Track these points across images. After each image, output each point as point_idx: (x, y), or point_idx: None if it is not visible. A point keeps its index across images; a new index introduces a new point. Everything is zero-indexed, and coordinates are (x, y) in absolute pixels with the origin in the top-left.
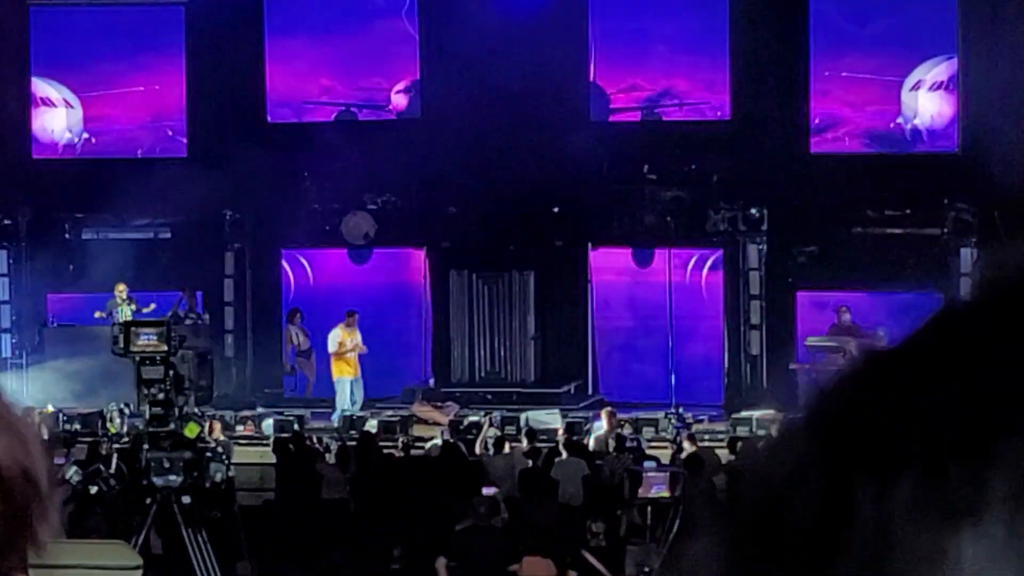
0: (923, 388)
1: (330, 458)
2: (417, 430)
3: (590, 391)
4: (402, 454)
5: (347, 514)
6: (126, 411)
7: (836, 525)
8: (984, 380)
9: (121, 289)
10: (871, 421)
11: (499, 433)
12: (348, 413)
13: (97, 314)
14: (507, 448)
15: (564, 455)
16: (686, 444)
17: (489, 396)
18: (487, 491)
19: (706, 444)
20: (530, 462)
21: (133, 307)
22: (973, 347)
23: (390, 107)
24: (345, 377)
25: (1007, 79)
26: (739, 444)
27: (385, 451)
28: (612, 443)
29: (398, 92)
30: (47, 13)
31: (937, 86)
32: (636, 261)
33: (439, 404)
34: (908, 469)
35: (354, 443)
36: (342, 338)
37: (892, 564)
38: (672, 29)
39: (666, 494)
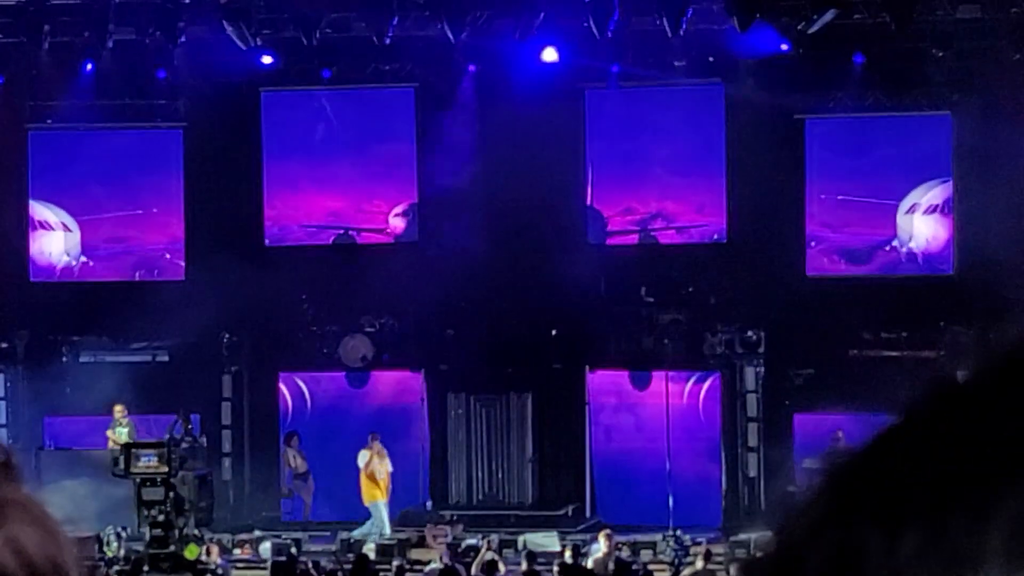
0: (928, 451)
1: None
2: (415, 554)
3: (588, 513)
4: None
5: None
6: (123, 535)
7: (847, 574)
8: (981, 442)
9: (119, 409)
10: (881, 481)
11: (495, 556)
12: (385, 539)
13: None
14: (501, 570)
15: None
16: (699, 563)
17: (487, 519)
18: None
19: (713, 567)
20: None
21: (128, 429)
22: (970, 414)
23: (388, 230)
24: (379, 500)
25: (1002, 202)
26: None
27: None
28: (612, 565)
29: (396, 215)
30: (45, 136)
31: (932, 209)
32: (634, 383)
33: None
34: (914, 524)
35: (349, 567)
36: (369, 457)
37: None
38: (669, 152)
39: None
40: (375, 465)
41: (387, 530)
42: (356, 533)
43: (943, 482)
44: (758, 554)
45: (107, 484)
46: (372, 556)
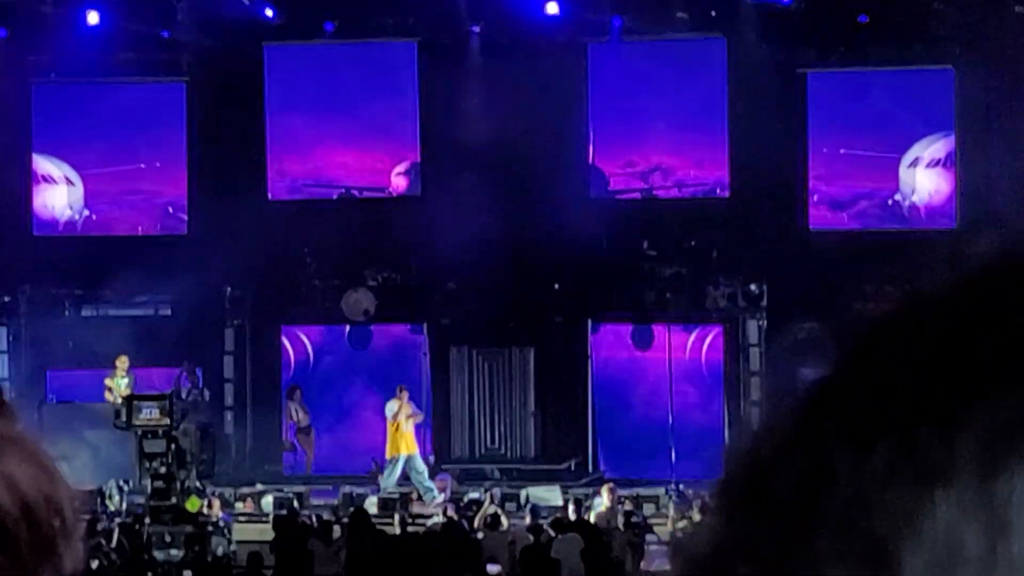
0: (896, 365)
1: (337, 533)
2: (417, 507)
3: (590, 467)
4: (400, 531)
5: None
6: (125, 488)
7: (817, 494)
8: (951, 355)
9: (122, 360)
10: (848, 398)
11: (497, 510)
12: (392, 494)
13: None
14: (504, 524)
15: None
16: (696, 516)
17: (489, 472)
18: (491, 569)
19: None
20: (531, 538)
21: (127, 380)
22: (940, 325)
23: (390, 189)
24: (401, 454)
25: (1004, 156)
26: None
27: (382, 528)
28: (621, 519)
29: (398, 174)
30: (49, 91)
31: (935, 163)
32: (636, 337)
33: None
34: (883, 438)
35: (347, 520)
36: (397, 408)
37: (870, 527)
38: (671, 106)
39: (668, 568)
40: (402, 417)
41: (423, 482)
42: (386, 483)
43: (912, 396)
44: (726, 477)
45: (110, 437)
46: (374, 511)
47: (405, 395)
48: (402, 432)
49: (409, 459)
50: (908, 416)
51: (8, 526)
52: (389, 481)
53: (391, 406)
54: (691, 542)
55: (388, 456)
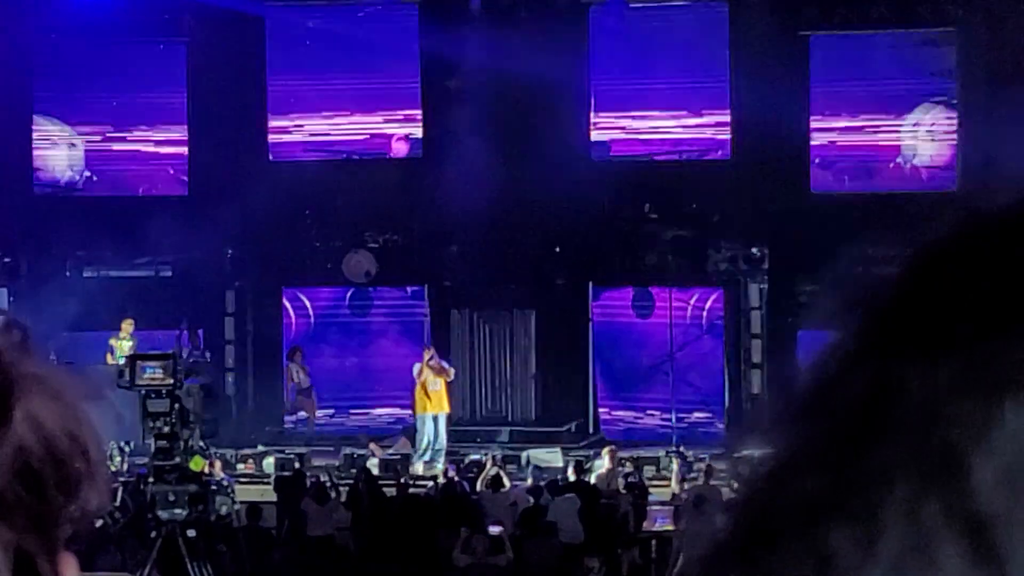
0: (966, 278)
1: (341, 495)
2: (418, 469)
3: (591, 430)
4: (399, 492)
5: (337, 551)
6: (127, 449)
7: (886, 404)
8: (1020, 267)
9: (128, 323)
10: (918, 310)
11: (500, 471)
12: (427, 457)
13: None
14: (507, 485)
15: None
16: (701, 479)
17: (490, 434)
18: (493, 530)
19: (715, 483)
20: (531, 500)
21: (132, 343)
22: (1008, 240)
23: (392, 151)
24: (427, 413)
25: (1007, 118)
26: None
27: (384, 489)
28: (621, 481)
29: (399, 140)
30: (49, 50)
31: (937, 125)
32: (637, 300)
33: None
34: (955, 352)
35: (352, 482)
36: (420, 368)
37: (940, 438)
38: (673, 69)
39: (670, 527)
40: (428, 377)
41: (440, 443)
42: (418, 447)
43: (984, 308)
44: (791, 394)
45: (111, 398)
46: (376, 471)
47: (427, 354)
48: (429, 393)
49: (435, 418)
50: (979, 327)
51: (33, 465)
52: (421, 443)
53: (416, 367)
54: (754, 461)
55: (416, 414)
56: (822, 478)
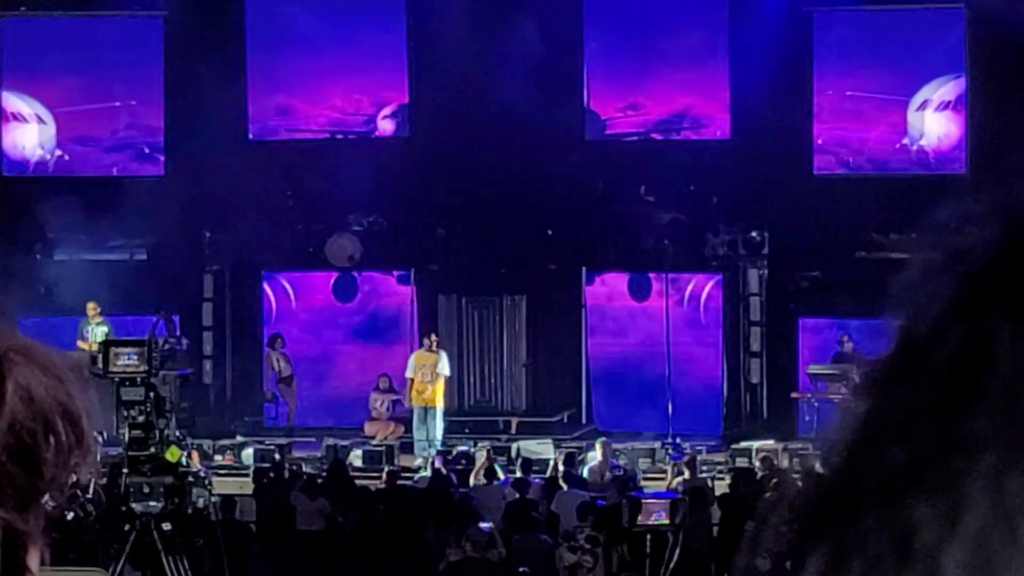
0: None
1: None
2: (405, 460)
3: (583, 420)
4: (385, 485)
5: (324, 545)
6: (100, 439)
7: (975, 372)
8: None
9: (92, 307)
10: (1011, 276)
11: (494, 464)
12: (425, 453)
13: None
14: (501, 477)
15: (564, 487)
16: (685, 471)
17: (479, 425)
18: (484, 526)
19: (703, 476)
20: (517, 494)
21: (106, 328)
22: None
23: (376, 134)
24: (417, 406)
25: (1016, 98)
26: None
27: (367, 481)
28: (609, 474)
29: (384, 117)
30: (18, 25)
31: (944, 106)
32: (632, 286)
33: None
34: None
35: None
36: (415, 362)
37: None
38: (671, 46)
39: (666, 522)
40: (422, 367)
41: (435, 435)
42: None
43: None
44: (880, 355)
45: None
46: (360, 463)
47: (428, 342)
48: (416, 386)
49: (425, 412)
50: None
51: (24, 439)
52: (418, 437)
53: (410, 360)
54: (835, 429)
55: (412, 405)
56: (906, 448)
